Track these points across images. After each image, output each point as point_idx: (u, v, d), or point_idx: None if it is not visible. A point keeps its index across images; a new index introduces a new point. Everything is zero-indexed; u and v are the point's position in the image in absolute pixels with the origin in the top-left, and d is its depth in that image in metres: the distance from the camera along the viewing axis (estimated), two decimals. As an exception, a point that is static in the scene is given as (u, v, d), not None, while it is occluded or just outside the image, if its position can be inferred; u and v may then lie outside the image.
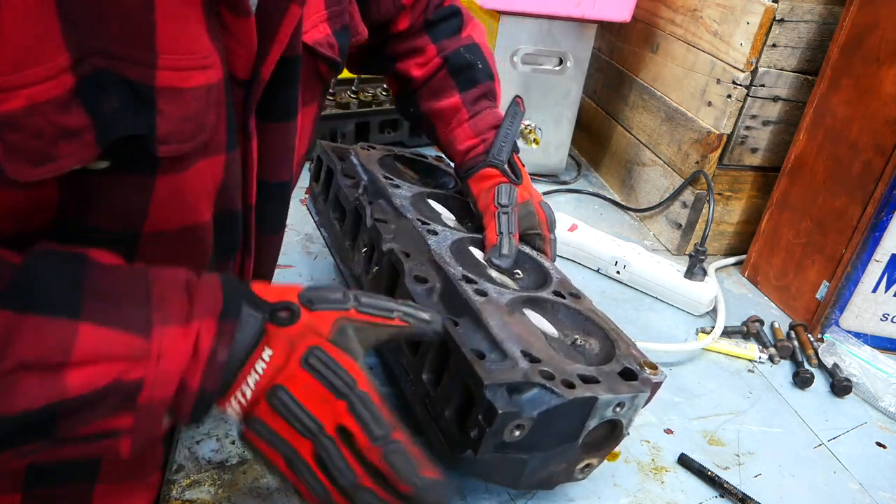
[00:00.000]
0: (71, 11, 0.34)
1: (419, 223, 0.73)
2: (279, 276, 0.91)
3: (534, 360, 0.56)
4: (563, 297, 0.69)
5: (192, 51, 0.39)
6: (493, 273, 0.71)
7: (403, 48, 0.81)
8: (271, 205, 0.56)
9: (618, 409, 0.57)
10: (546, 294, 0.68)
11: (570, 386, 0.54)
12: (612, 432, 0.60)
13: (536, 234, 0.78)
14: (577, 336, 0.66)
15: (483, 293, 0.63)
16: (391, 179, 0.83)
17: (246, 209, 0.53)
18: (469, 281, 0.64)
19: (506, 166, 0.78)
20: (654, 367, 0.62)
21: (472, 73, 0.81)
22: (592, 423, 0.57)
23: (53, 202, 0.40)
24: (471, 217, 0.81)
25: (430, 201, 0.84)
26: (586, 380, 0.56)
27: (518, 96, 0.81)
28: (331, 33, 0.58)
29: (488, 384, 0.52)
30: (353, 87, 1.27)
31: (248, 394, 0.43)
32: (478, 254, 0.74)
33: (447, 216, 0.82)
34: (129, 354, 0.39)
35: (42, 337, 0.37)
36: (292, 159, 0.56)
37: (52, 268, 0.39)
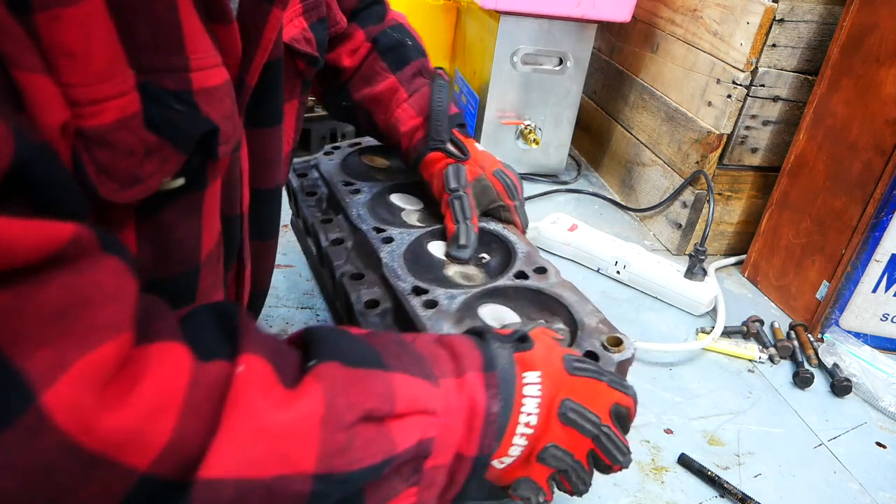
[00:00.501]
0: (124, 27, 0.32)
1: (374, 233, 0.72)
2: (278, 276, 0.91)
3: None
4: (527, 276, 0.66)
5: (207, 48, 0.38)
6: (451, 271, 0.69)
7: (330, 37, 0.76)
8: (265, 210, 0.54)
9: None
10: (505, 281, 0.66)
11: None
12: None
13: (499, 206, 0.75)
14: (541, 320, 0.64)
15: (433, 304, 0.61)
16: (351, 184, 0.81)
17: (240, 217, 0.51)
18: (419, 292, 0.63)
19: (448, 146, 0.74)
20: (618, 342, 0.59)
21: (403, 51, 0.78)
22: None
23: (133, 252, 0.38)
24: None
25: (394, 196, 0.82)
26: None
27: (439, 68, 0.78)
28: (307, 27, 0.56)
29: None
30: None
31: (519, 451, 0.45)
32: (437, 250, 0.72)
33: (412, 209, 0.80)
34: (433, 407, 0.40)
35: (368, 389, 0.37)
36: (281, 162, 0.55)
37: (333, 333, 0.40)
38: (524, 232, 0.78)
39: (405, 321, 0.61)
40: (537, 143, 1.26)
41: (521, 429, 0.44)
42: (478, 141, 1.29)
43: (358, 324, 0.64)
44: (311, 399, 0.34)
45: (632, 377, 0.82)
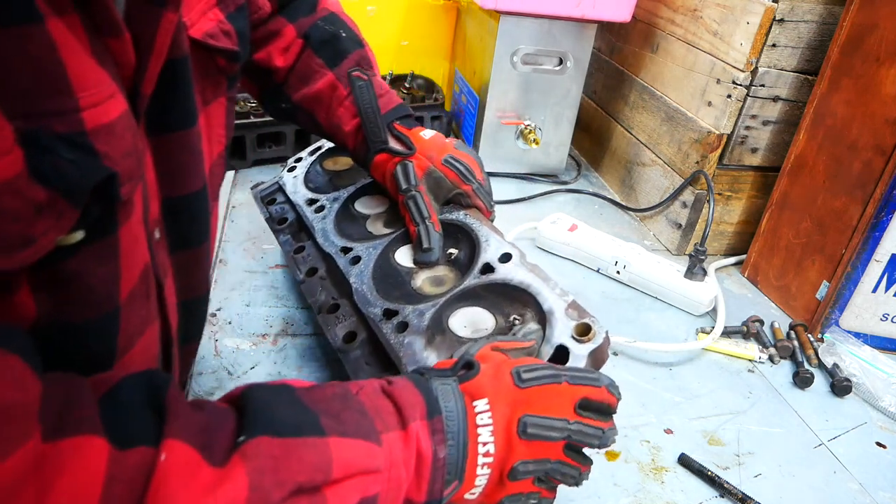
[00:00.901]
0: None
1: (342, 255, 0.71)
2: (279, 276, 0.91)
3: None
4: (493, 268, 0.65)
5: (98, 80, 0.34)
6: (421, 279, 0.69)
7: (258, 35, 0.72)
8: (186, 216, 0.50)
9: None
10: (471, 281, 0.65)
11: None
12: None
13: (458, 193, 0.73)
14: (514, 315, 0.63)
15: (404, 327, 0.61)
16: (315, 200, 0.81)
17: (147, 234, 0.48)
18: (390, 315, 0.63)
19: (391, 145, 0.72)
20: (586, 331, 0.56)
21: (338, 44, 0.73)
22: None
23: (31, 309, 0.35)
24: None
25: (358, 203, 0.81)
26: None
27: (353, 70, 0.73)
28: (224, 18, 0.52)
29: None
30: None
31: (485, 479, 0.46)
32: (405, 257, 0.72)
33: (377, 212, 0.79)
34: (373, 466, 0.40)
35: (301, 459, 0.36)
36: (201, 165, 0.51)
37: (270, 395, 0.39)
38: (490, 212, 0.76)
39: (381, 354, 0.62)
40: (537, 143, 1.26)
41: (481, 459, 0.45)
42: (478, 141, 1.29)
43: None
44: (234, 483, 0.33)
45: (632, 377, 0.83)
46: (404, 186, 0.70)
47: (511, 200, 1.23)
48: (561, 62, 1.23)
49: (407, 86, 1.35)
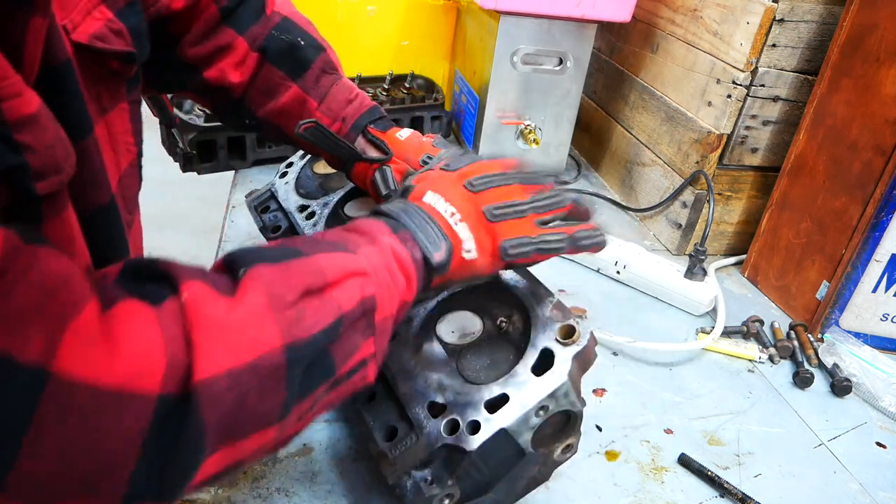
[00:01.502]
0: None
1: None
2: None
3: (439, 410, 0.54)
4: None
5: (8, 74, 0.33)
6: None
7: (205, 50, 0.67)
8: (94, 233, 0.47)
9: (542, 413, 0.53)
10: (456, 286, 0.64)
11: (476, 429, 0.52)
12: (567, 418, 0.56)
13: None
14: (501, 316, 0.62)
15: (392, 336, 0.60)
16: (306, 206, 0.80)
17: None
18: None
19: (366, 154, 0.71)
20: (570, 333, 0.56)
21: (298, 54, 0.70)
22: (526, 436, 0.53)
23: None
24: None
25: (348, 207, 0.80)
26: (495, 405, 0.53)
27: (301, 125, 0.65)
28: (113, 17, 0.47)
29: (392, 483, 0.53)
30: (353, 87, 1.27)
31: (472, 246, 0.52)
32: None
33: (365, 215, 0.78)
34: (359, 267, 0.45)
35: (298, 272, 0.41)
36: (104, 177, 0.48)
37: (248, 248, 0.43)
38: None
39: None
40: (537, 143, 1.26)
41: (451, 220, 0.52)
42: (478, 141, 1.29)
43: None
44: (253, 294, 0.38)
45: (632, 377, 0.83)
46: (384, 193, 0.69)
47: (511, 200, 1.23)
48: (561, 62, 1.23)
49: (407, 86, 1.34)
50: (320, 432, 0.68)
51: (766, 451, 0.75)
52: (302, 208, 0.82)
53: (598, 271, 1.05)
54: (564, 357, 0.54)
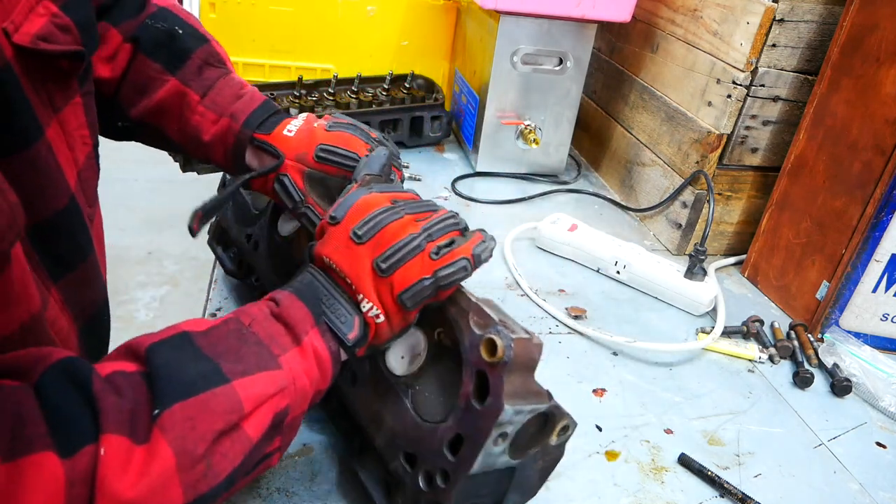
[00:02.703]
0: None
1: None
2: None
3: (413, 459, 0.53)
4: None
5: None
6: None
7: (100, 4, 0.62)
8: (56, 237, 0.46)
9: (501, 440, 0.48)
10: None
11: (447, 477, 0.50)
12: (544, 422, 0.51)
13: (345, 183, 0.64)
14: (437, 327, 0.58)
15: (354, 379, 0.60)
16: (250, 235, 0.78)
17: None
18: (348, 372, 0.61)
19: (255, 167, 0.64)
20: (491, 349, 0.48)
21: (176, 43, 0.62)
22: (502, 460, 0.49)
23: None
24: None
25: (280, 225, 0.77)
26: (454, 445, 0.50)
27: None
28: (57, 10, 0.44)
29: None
30: (353, 88, 1.28)
31: (377, 311, 0.51)
32: None
33: (295, 234, 0.75)
34: (278, 389, 0.44)
35: (213, 412, 0.40)
36: (61, 179, 0.46)
37: (173, 354, 0.42)
38: (400, 172, 0.68)
39: (341, 402, 0.64)
40: (537, 143, 1.26)
41: (359, 297, 0.51)
42: (478, 141, 1.29)
43: None
44: (161, 456, 0.37)
45: (632, 377, 0.83)
46: (290, 206, 0.63)
47: (511, 200, 1.23)
48: (561, 62, 1.23)
49: (407, 86, 1.34)
50: (320, 432, 0.68)
51: (766, 451, 0.75)
52: (248, 237, 0.78)
53: (598, 271, 1.05)
54: (496, 380, 0.48)
